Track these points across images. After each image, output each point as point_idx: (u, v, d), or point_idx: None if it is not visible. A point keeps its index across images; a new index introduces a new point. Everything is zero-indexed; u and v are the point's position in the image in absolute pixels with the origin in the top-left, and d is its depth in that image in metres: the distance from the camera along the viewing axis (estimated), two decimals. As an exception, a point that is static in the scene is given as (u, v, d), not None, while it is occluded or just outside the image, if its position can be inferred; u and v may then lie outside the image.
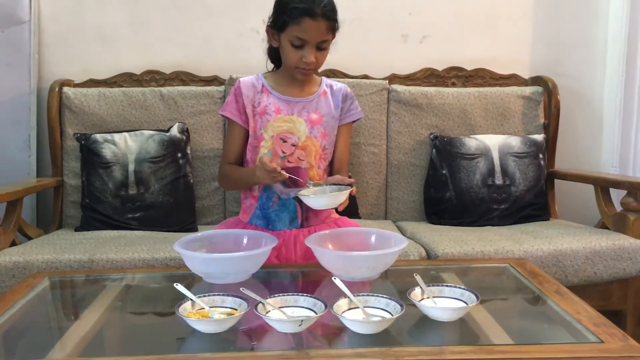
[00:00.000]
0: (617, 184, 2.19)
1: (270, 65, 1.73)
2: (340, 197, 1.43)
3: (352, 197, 2.27)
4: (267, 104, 1.63)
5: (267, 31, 1.61)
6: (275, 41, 1.60)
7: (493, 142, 2.34)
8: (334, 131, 1.69)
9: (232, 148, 1.68)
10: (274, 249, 1.57)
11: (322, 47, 1.55)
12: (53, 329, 1.30)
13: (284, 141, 1.60)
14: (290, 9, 1.51)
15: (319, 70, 1.77)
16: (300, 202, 1.62)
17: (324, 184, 1.52)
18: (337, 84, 1.73)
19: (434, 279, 1.44)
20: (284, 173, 1.45)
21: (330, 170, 1.73)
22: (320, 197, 1.45)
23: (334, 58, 1.81)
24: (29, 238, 2.16)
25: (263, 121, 1.62)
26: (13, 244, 2.01)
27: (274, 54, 1.68)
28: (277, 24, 1.56)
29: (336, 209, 1.51)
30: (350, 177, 1.73)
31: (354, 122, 1.76)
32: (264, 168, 1.46)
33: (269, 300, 1.18)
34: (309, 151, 1.63)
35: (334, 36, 1.58)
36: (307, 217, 1.67)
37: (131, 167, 2.21)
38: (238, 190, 1.85)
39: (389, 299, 1.19)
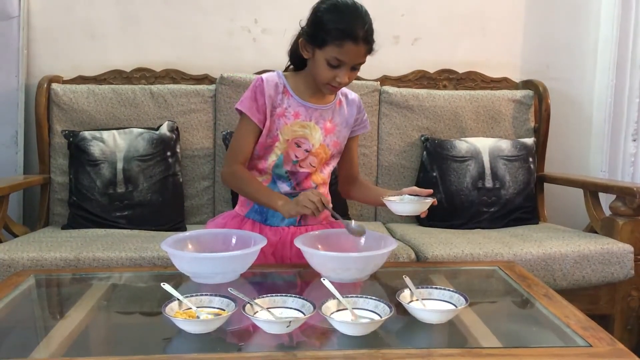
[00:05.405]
0: (606, 189, 2.19)
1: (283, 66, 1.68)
2: (424, 206, 1.48)
3: (342, 199, 2.30)
4: (287, 107, 1.59)
5: (301, 42, 1.54)
6: (307, 53, 1.53)
7: (483, 145, 2.35)
8: (344, 140, 1.69)
9: (244, 147, 1.60)
10: (270, 246, 1.57)
11: (356, 68, 1.52)
12: (37, 327, 1.27)
13: (298, 146, 1.59)
14: (331, 28, 1.45)
15: None
16: None
17: (352, 222, 1.50)
18: (351, 94, 1.70)
19: (423, 281, 1.44)
20: (331, 211, 1.47)
21: (348, 178, 1.77)
22: (406, 204, 1.50)
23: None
24: (15, 235, 2.13)
25: (280, 123, 1.58)
26: (-2, 241, 1.99)
27: (298, 58, 1.61)
28: (315, 39, 1.49)
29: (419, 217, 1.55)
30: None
31: None
32: (312, 200, 1.43)
33: (257, 301, 1.17)
34: (321, 158, 1.63)
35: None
36: (304, 216, 1.62)
37: (120, 165, 2.19)
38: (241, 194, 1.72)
39: (378, 300, 1.18)
